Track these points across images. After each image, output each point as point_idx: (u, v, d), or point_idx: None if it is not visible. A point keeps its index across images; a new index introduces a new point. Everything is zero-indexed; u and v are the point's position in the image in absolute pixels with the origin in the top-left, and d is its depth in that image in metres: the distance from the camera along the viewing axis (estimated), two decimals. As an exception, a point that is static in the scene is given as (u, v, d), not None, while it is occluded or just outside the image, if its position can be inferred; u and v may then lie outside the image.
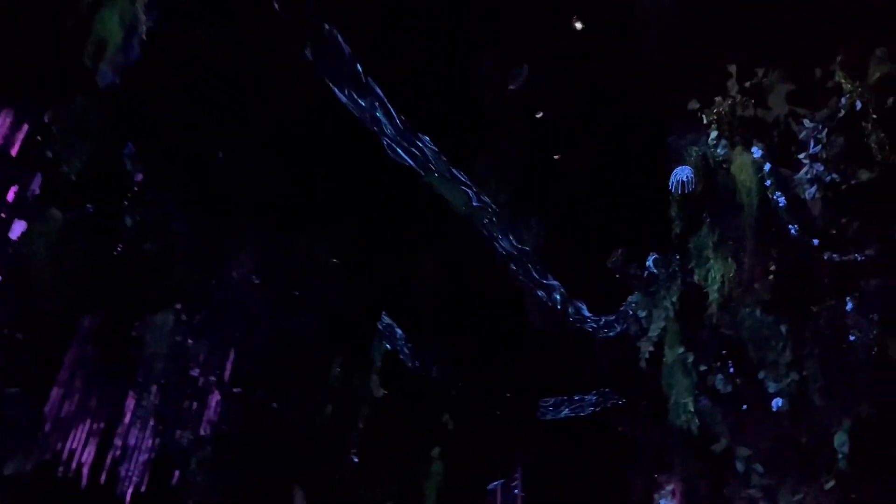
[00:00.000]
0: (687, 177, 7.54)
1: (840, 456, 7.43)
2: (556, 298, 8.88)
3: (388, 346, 12.66)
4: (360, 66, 6.44)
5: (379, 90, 6.59)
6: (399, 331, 12.42)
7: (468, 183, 7.63)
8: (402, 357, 12.51)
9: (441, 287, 9.61)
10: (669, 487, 16.34)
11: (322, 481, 13.01)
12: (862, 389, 7.37)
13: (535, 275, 8.64)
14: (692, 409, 8.36)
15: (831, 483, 7.59)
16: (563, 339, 9.45)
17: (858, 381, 7.39)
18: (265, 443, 11.85)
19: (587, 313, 9.36)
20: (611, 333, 9.43)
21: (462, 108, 7.87)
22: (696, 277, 8.15)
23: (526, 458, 13.93)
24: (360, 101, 6.63)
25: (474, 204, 7.67)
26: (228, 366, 11.23)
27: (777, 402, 8.60)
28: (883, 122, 6.94)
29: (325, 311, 11.41)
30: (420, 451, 13.91)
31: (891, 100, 7.00)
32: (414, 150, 7.09)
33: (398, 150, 7.03)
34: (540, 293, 8.85)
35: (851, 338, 7.49)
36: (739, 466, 8.33)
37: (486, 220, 7.84)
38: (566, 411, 12.45)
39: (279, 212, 8.58)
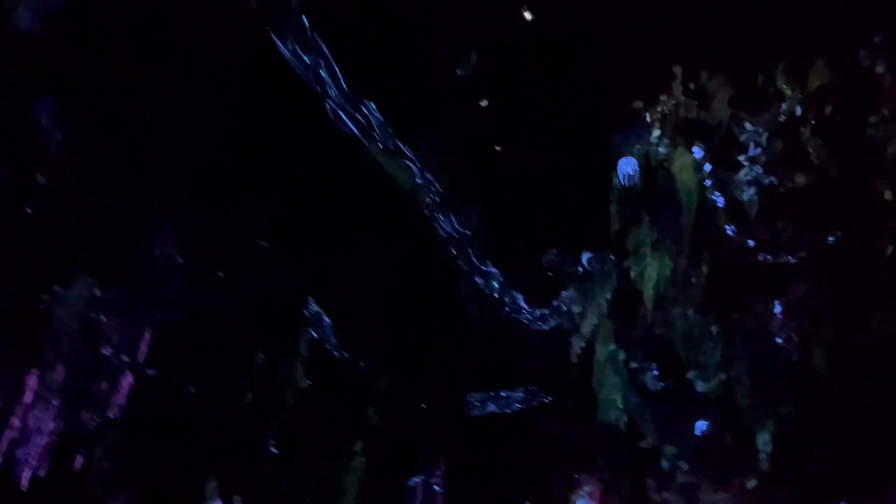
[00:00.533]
0: (633, 169, 7.53)
1: (763, 456, 7.52)
2: (493, 286, 8.74)
3: (314, 334, 12.26)
4: (307, 19, 6.12)
5: (325, 47, 6.27)
6: (327, 319, 12.05)
7: (412, 158, 7.39)
8: (328, 347, 12.14)
9: (375, 272, 9.32)
10: (587, 488, 16.48)
11: (237, 472, 12.50)
12: (786, 391, 7.48)
13: (474, 260, 8.47)
14: (621, 407, 8.34)
15: (753, 483, 7.68)
16: (497, 330, 9.30)
17: (782, 383, 7.49)
18: (179, 429, 11.29)
19: (523, 304, 9.25)
20: (545, 327, 9.34)
21: (410, 82, 7.63)
22: (632, 275, 8.14)
23: (449, 455, 13.74)
24: (303, 56, 6.30)
25: (417, 181, 7.44)
26: (143, 346, 10.63)
27: (701, 426, 8.73)
28: (821, 130, 7.06)
29: (251, 294, 10.95)
30: (342, 445, 13.55)
31: (829, 108, 7.13)
32: (358, 116, 6.80)
33: (341, 114, 6.72)
34: (478, 280, 8.68)
35: (778, 340, 7.59)
36: (665, 464, 8.36)
37: (428, 200, 7.62)
38: (492, 407, 12.33)
39: (208, 183, 8.12)
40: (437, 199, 7.63)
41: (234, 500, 12.69)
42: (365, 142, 6.93)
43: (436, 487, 15.28)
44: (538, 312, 9.25)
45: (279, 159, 7.89)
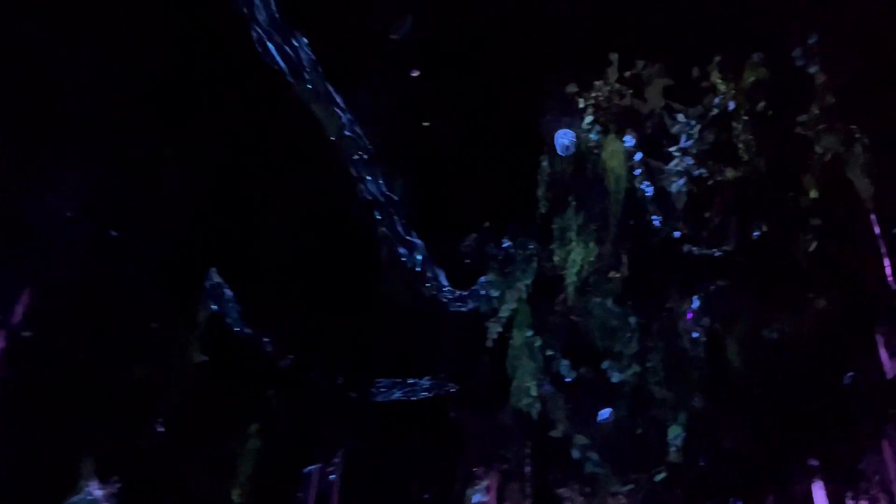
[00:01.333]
0: (570, 140, 7.32)
1: (672, 448, 7.47)
2: (416, 259, 8.34)
3: (214, 307, 11.51)
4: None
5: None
6: (228, 291, 11.34)
7: (343, 107, 6.89)
8: (228, 321, 11.42)
9: (287, 238, 8.73)
10: (485, 483, 16.31)
11: (119, 450, 11.56)
12: (698, 384, 7.45)
13: (399, 228, 8.05)
14: (534, 394, 8.12)
15: (662, 475, 7.62)
16: (414, 309, 8.90)
17: (696, 376, 7.46)
18: (55, 400, 10.31)
19: (444, 282, 8.90)
20: (462, 308, 9.03)
21: (346, 32, 7.11)
22: (556, 259, 7.94)
23: (349, 443, 13.24)
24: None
25: (346, 133, 6.94)
26: (20, 306, 9.64)
27: (604, 414, 8.63)
28: (752, 125, 7.07)
29: (148, 258, 10.13)
30: (237, 427, 12.81)
31: (761, 104, 7.15)
32: (287, 49, 6.23)
33: (269, 45, 6.13)
34: (401, 250, 8.27)
35: (695, 335, 7.57)
36: (575, 454, 8.21)
37: (355, 156, 7.13)
38: (398, 394, 11.93)
39: (109, 128, 7.34)
40: (365, 156, 7.16)
41: (113, 481, 11.72)
42: (292, 79, 6.36)
43: (331, 477, 14.74)
44: (458, 293, 8.93)
45: (192, 97, 7.20)
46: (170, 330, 11.26)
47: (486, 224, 8.59)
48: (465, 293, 9.04)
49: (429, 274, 8.59)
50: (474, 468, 15.81)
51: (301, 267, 10.08)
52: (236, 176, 8.03)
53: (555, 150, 7.48)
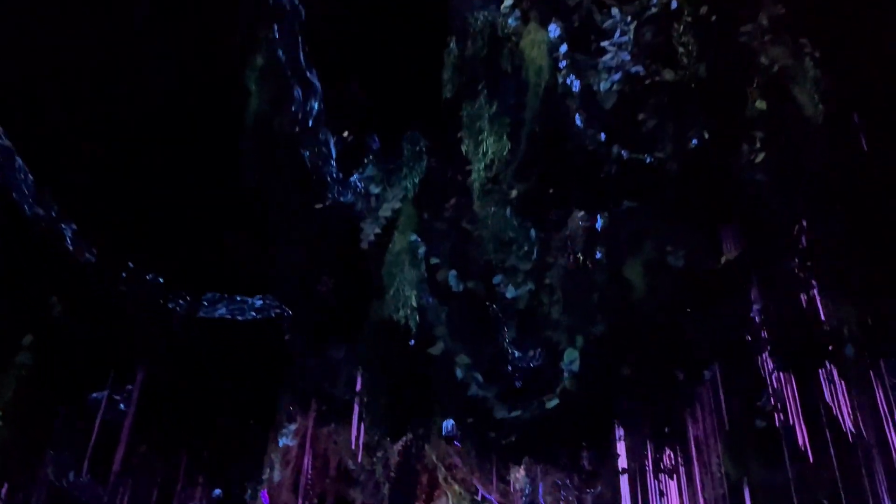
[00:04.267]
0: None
1: (566, 374, 6.71)
2: (312, 106, 6.78)
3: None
4: None
5: None
6: (20, 160, 8.96)
7: None
8: (16, 197, 9.02)
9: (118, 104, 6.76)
10: (293, 426, 14.93)
11: None
12: (598, 308, 6.74)
13: (301, 61, 6.45)
14: (414, 305, 6.97)
15: (554, 401, 6.84)
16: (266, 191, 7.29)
17: (596, 299, 6.74)
18: None
19: (333, 154, 7.41)
20: (342, 200, 7.59)
21: None
22: (463, 149, 6.82)
23: (150, 368, 11.23)
24: None
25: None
26: None
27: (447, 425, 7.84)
28: (694, 28, 6.41)
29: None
30: (8, 337, 10.34)
31: (705, 8, 6.51)
32: None
33: None
34: (296, 90, 6.67)
35: (598, 255, 6.84)
36: (459, 373, 7.19)
37: None
38: (223, 311, 10.20)
39: None
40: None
41: None
42: None
43: (122, 406, 12.58)
44: (340, 175, 7.49)
45: None
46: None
47: (386, 110, 7.23)
48: (339, 184, 7.62)
49: (321, 135, 7.09)
50: (290, 407, 14.36)
51: (130, 140, 8.06)
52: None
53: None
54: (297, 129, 6.73)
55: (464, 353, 7.16)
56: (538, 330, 7.08)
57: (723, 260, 6.43)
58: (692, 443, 12.65)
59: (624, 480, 13.35)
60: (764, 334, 6.86)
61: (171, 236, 9.13)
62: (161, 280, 9.52)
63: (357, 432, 12.40)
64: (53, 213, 8.66)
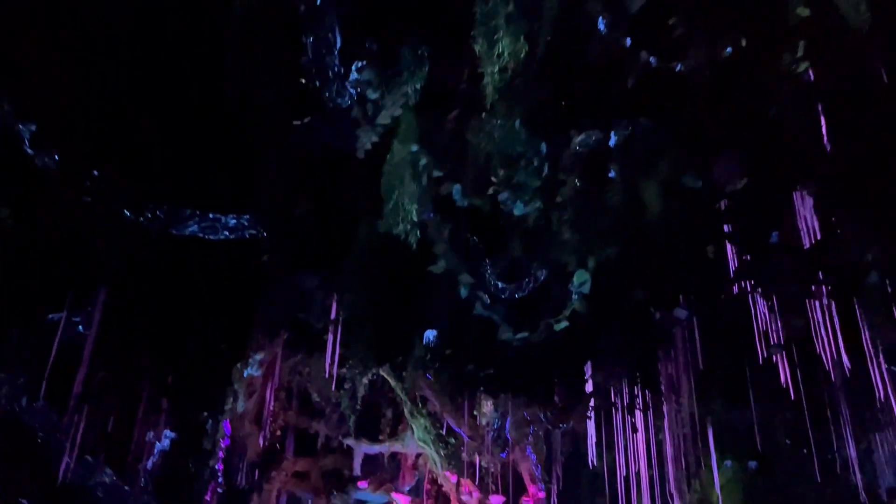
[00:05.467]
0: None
1: (576, 297, 6.35)
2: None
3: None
4: None
5: None
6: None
7: None
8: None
9: None
10: (259, 356, 14.45)
11: None
12: (610, 229, 6.35)
13: None
14: (415, 219, 6.49)
15: (563, 324, 6.50)
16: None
17: (609, 219, 6.35)
18: None
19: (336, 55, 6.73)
20: (339, 102, 6.96)
21: None
22: (477, 48, 6.25)
23: (111, 282, 10.50)
24: None
25: None
26: None
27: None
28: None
29: None
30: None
31: None
32: None
33: None
34: None
35: (611, 174, 6.42)
36: (463, 292, 6.77)
37: None
38: (193, 228, 9.53)
39: None
40: None
41: None
42: None
43: (80, 328, 11.88)
44: (341, 69, 6.84)
45: None
46: None
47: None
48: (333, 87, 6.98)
49: (328, 19, 6.41)
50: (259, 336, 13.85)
51: (101, 34, 7.23)
52: None
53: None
54: (303, 7, 6.04)
55: (467, 272, 6.74)
56: (546, 250, 6.68)
57: (742, 183, 6.09)
58: (665, 381, 12.62)
59: (595, 417, 13.32)
60: (785, 260, 6.59)
61: (141, 144, 8.38)
62: (129, 191, 8.78)
63: (331, 362, 11.99)
64: (7, 109, 7.80)
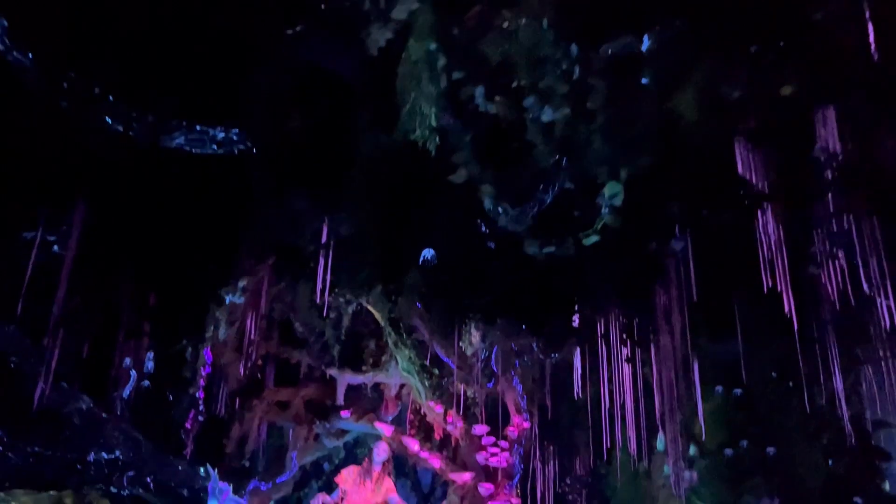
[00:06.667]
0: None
1: (606, 210, 5.97)
2: None
3: None
4: None
5: None
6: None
7: None
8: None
9: None
10: (242, 282, 13.97)
11: None
12: (644, 137, 5.93)
13: None
14: (434, 124, 6.00)
15: (593, 238, 6.12)
16: None
17: (642, 128, 5.93)
18: None
19: None
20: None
21: None
22: None
23: (92, 200, 9.85)
24: None
25: None
26: None
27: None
28: None
29: None
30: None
31: None
32: None
33: None
34: None
35: (644, 80, 5.97)
36: (487, 204, 6.34)
37: None
38: (179, 140, 8.89)
39: None
40: None
41: None
42: None
43: (56, 248, 11.25)
44: None
45: None
46: None
47: None
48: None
49: None
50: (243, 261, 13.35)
51: None
52: None
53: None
54: None
55: (490, 183, 6.30)
56: (574, 160, 6.26)
57: (785, 92, 5.69)
58: (659, 313, 12.43)
59: (582, 349, 13.16)
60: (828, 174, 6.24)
61: (124, 47, 7.67)
62: (110, 97, 8.08)
63: (321, 288, 11.60)
64: None
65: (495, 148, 6.63)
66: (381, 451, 12.60)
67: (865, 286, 8.03)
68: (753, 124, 6.26)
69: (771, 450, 13.61)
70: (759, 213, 8.25)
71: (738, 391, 13.48)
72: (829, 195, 6.79)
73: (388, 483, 12.68)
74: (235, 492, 11.79)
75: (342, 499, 13.22)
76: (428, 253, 8.20)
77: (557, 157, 6.34)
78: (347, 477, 12.70)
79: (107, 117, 7.98)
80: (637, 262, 7.52)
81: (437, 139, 6.43)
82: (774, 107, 6.10)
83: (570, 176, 6.57)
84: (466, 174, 6.55)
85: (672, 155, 6.14)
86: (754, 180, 6.61)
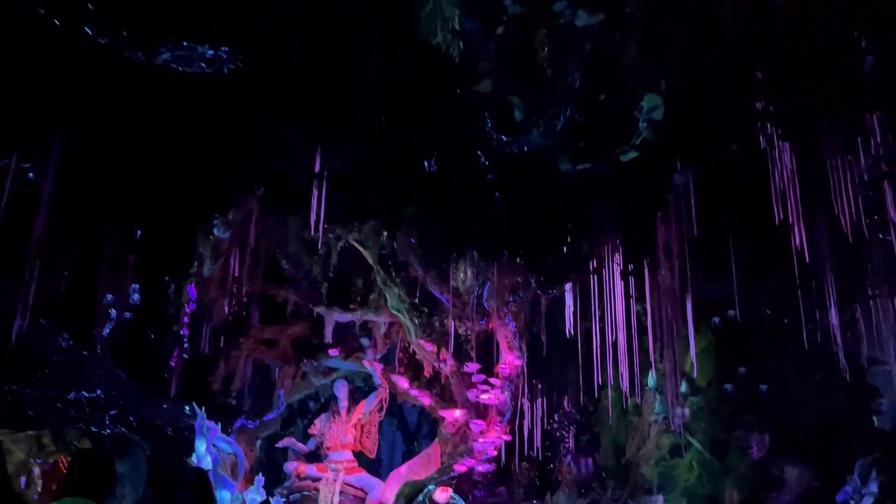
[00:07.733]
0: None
1: (644, 124, 5.57)
2: None
3: None
4: None
5: None
6: None
7: None
8: None
9: None
10: (228, 216, 13.52)
11: None
12: (681, 49, 5.51)
13: None
14: (457, 27, 5.49)
15: (632, 154, 5.74)
16: None
17: (679, 39, 5.49)
18: None
19: None
20: None
21: None
22: None
23: (71, 122, 9.19)
24: None
25: None
26: None
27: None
28: None
29: None
30: None
31: None
32: None
33: None
34: None
35: (684, -13, 5.51)
36: (517, 115, 5.89)
37: None
38: (165, 56, 8.25)
39: None
40: None
41: None
42: None
43: (31, 175, 10.60)
44: None
45: None
46: None
47: None
48: None
49: None
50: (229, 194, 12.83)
51: None
52: None
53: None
54: None
55: (518, 96, 5.83)
56: (609, 71, 5.81)
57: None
58: (659, 248, 12.18)
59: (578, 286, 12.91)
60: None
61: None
62: (91, 8, 7.40)
63: (314, 220, 11.14)
64: None
65: (523, 56, 6.14)
66: (341, 388, 13.20)
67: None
68: (797, 36, 5.85)
69: (763, 387, 13.62)
70: (772, 145, 7.95)
71: (732, 313, 13.15)
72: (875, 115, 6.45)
73: (360, 406, 12.98)
74: (223, 430, 11.53)
75: (321, 444, 13.30)
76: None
77: (589, 67, 5.89)
78: (318, 423, 13.07)
79: (86, 29, 7.31)
80: (641, 196, 7.20)
81: (461, 45, 5.91)
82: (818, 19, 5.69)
83: (603, 88, 6.13)
84: (491, 85, 6.07)
85: (712, 69, 5.73)
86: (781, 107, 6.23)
